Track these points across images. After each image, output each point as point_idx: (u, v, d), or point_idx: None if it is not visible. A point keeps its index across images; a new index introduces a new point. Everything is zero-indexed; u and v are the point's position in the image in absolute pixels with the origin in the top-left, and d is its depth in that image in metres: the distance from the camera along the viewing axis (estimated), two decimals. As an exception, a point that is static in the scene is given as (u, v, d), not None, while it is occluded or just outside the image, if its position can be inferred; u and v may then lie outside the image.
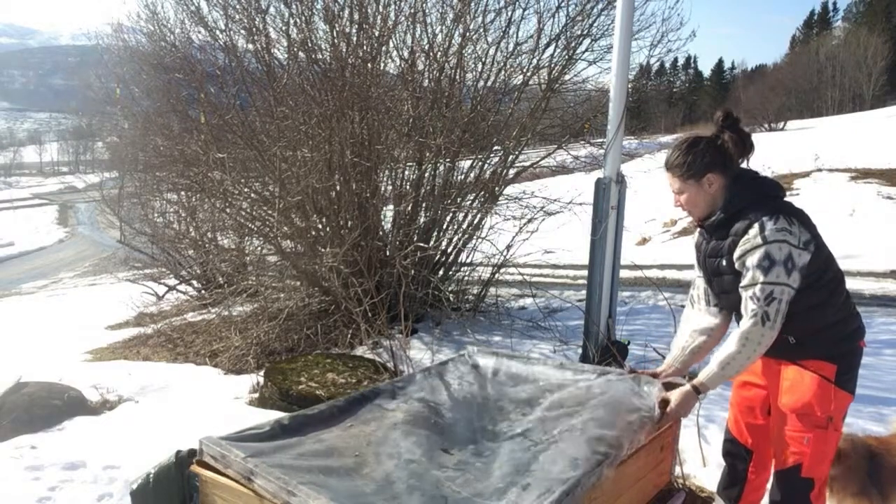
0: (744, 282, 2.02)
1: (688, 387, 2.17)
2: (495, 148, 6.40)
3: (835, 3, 78.91)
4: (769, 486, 2.29)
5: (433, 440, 2.18)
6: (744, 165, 2.19)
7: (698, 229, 2.29)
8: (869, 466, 2.35)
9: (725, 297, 2.20)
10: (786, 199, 2.14)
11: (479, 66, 6.15)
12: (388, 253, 5.88)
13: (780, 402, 2.14)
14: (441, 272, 6.35)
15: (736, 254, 2.04)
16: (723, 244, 2.12)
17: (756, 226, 2.00)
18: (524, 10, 5.95)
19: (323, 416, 2.28)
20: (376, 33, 5.74)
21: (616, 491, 2.10)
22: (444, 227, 6.21)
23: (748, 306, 2.01)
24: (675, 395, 2.21)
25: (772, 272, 1.96)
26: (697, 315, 2.36)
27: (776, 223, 1.98)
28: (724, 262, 2.12)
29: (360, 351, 5.33)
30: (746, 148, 2.13)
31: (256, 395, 4.56)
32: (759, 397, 2.30)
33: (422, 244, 5.66)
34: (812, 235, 2.02)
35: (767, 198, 2.09)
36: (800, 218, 2.03)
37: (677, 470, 2.82)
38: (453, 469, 2.02)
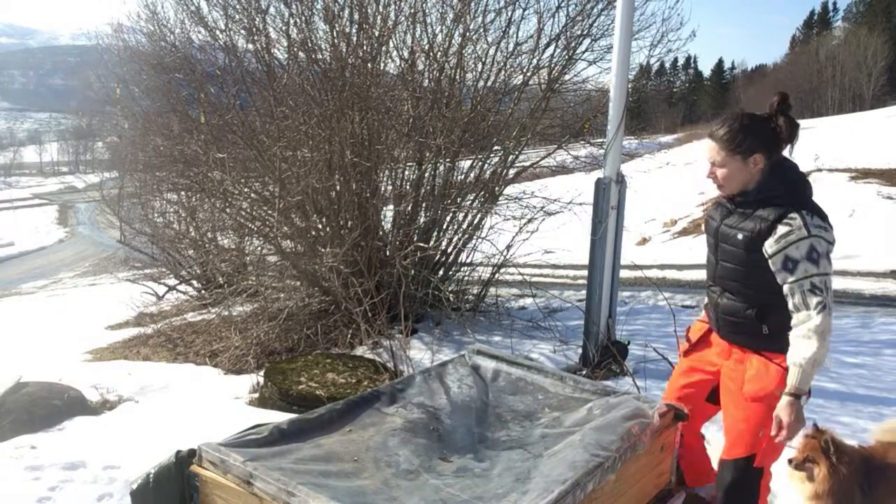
0: (795, 274, 2.00)
1: (789, 398, 2.03)
2: (495, 148, 6.39)
3: (835, 3, 78.74)
4: (718, 471, 2.33)
5: (431, 448, 2.18)
6: (786, 154, 2.19)
7: (715, 202, 2.32)
8: (861, 478, 2.36)
9: (723, 266, 2.22)
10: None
11: (479, 66, 6.15)
12: (388, 253, 5.88)
13: (743, 389, 2.20)
14: (441, 272, 6.35)
15: (773, 247, 2.03)
16: (748, 222, 2.11)
17: (798, 218, 2.00)
18: (524, 10, 5.95)
19: (322, 421, 2.28)
20: (376, 33, 5.74)
21: (616, 491, 2.10)
22: (444, 227, 6.21)
23: (810, 300, 1.98)
24: (782, 412, 2.04)
25: (821, 263, 1.98)
26: None
27: (814, 219, 2.00)
28: (740, 236, 2.12)
29: (360, 351, 5.33)
30: (794, 136, 2.13)
31: (256, 395, 4.56)
32: (706, 382, 2.41)
33: (422, 244, 5.66)
34: (832, 234, 2.07)
35: (793, 187, 2.11)
36: (823, 215, 2.07)
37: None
38: (452, 476, 2.03)
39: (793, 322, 2.04)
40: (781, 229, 2.01)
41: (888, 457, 2.43)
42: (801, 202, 2.06)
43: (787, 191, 2.09)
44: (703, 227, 2.46)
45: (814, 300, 1.97)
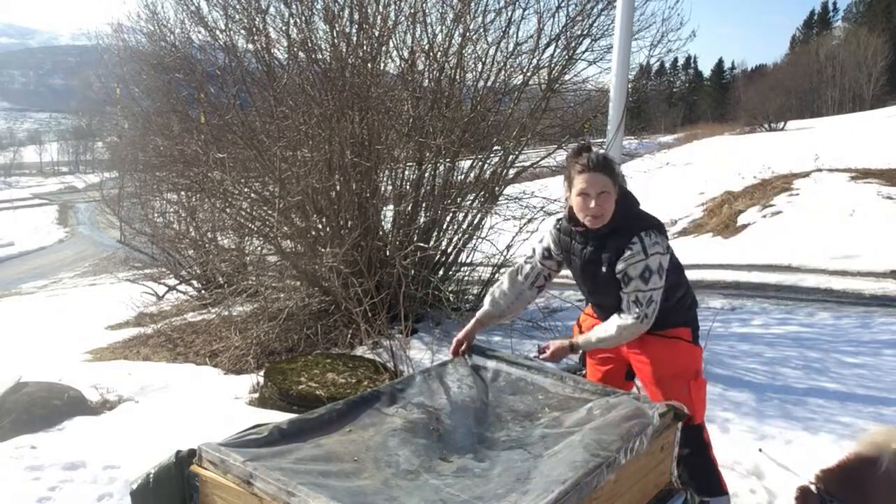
0: (628, 288, 2.37)
1: (567, 342, 2.57)
2: (495, 148, 6.40)
3: (835, 3, 78.87)
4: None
5: (431, 448, 2.18)
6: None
7: (563, 230, 2.55)
8: None
9: (597, 295, 2.55)
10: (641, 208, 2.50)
11: (479, 66, 6.16)
12: (388, 253, 5.88)
13: (660, 368, 2.49)
14: (441, 272, 6.35)
15: (619, 267, 2.36)
16: (604, 255, 2.40)
17: (638, 243, 2.34)
18: (524, 10, 5.96)
19: (322, 421, 2.27)
20: (376, 33, 5.74)
21: (616, 492, 2.10)
22: (444, 227, 6.21)
23: (632, 308, 2.38)
24: (557, 344, 2.57)
25: (651, 281, 2.34)
26: (519, 286, 2.70)
27: (650, 238, 2.35)
28: (603, 269, 2.41)
29: (360, 351, 5.34)
30: None
31: (256, 395, 4.56)
32: (621, 364, 2.68)
33: (422, 244, 5.66)
34: (667, 240, 2.42)
35: (635, 211, 2.44)
36: (659, 228, 2.42)
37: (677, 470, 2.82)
38: (452, 476, 2.02)
39: (615, 315, 2.43)
40: (626, 253, 2.35)
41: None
42: (639, 226, 2.36)
43: (628, 217, 2.40)
44: (550, 250, 2.65)
45: (634, 310, 2.38)
